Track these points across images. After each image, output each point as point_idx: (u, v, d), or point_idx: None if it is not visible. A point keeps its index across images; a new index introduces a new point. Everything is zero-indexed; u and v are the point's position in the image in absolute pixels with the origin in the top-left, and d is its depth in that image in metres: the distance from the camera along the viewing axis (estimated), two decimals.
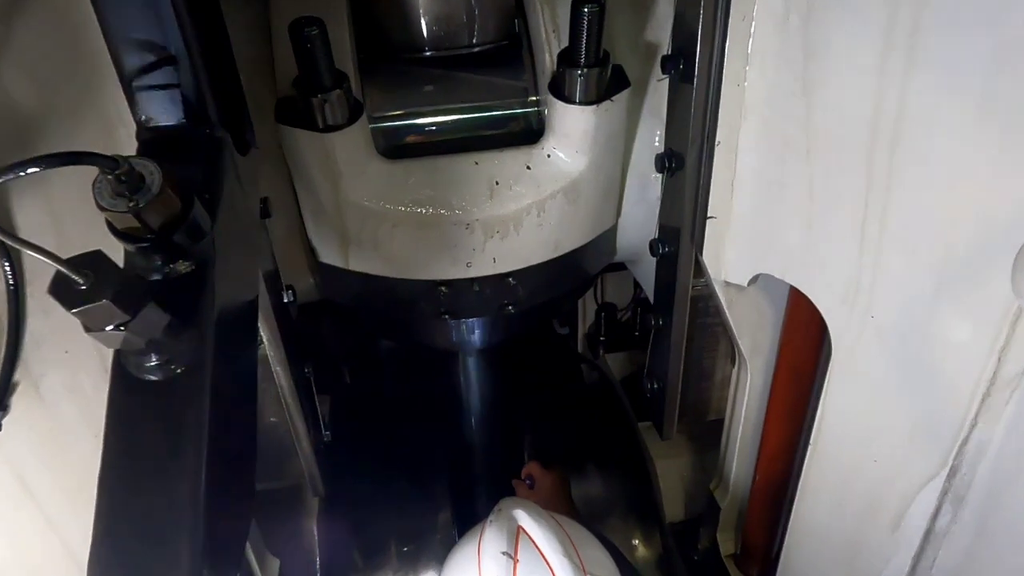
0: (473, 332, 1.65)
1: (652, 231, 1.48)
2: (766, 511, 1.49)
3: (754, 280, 1.21)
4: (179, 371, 0.69)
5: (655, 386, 1.51)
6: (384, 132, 1.38)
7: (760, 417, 1.43)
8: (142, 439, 0.66)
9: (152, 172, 0.67)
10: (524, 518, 1.14)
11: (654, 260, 1.45)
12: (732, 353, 1.48)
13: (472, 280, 1.39)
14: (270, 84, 1.27)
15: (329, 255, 1.41)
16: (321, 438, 1.50)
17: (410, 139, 1.41)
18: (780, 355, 1.32)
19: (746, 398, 1.41)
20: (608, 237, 1.53)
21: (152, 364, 0.68)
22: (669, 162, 1.24)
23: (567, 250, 1.41)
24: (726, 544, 1.69)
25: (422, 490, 2.33)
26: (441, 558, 2.30)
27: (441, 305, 1.44)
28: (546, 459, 1.98)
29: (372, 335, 2.55)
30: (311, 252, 1.44)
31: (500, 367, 2.15)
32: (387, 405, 2.56)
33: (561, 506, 1.83)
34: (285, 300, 1.29)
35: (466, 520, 2.43)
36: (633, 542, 2.14)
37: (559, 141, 1.29)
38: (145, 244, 0.70)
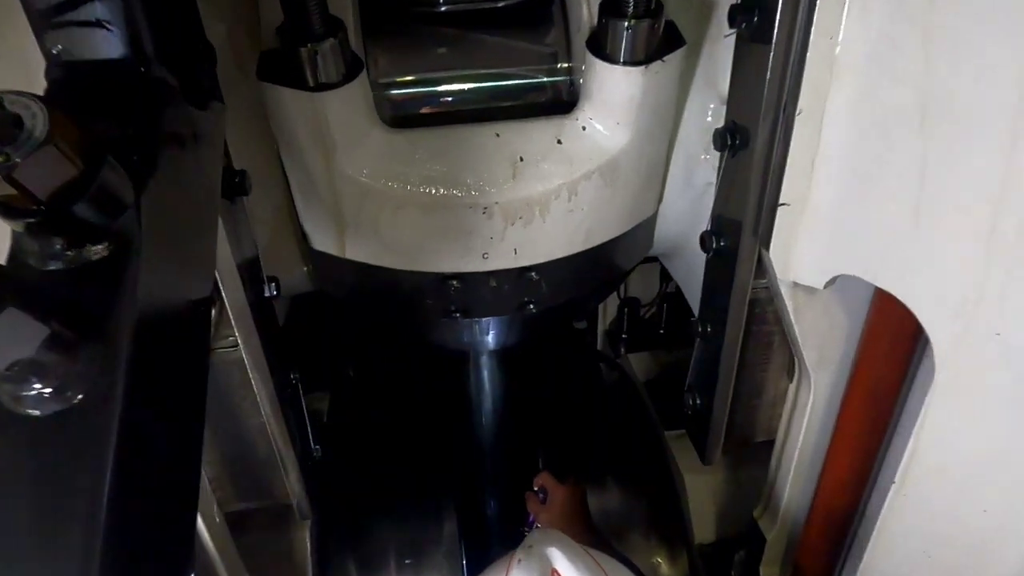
0: (487, 333, 1.43)
1: (698, 222, 1.25)
2: (825, 549, 1.27)
3: (831, 282, 0.98)
4: (76, 401, 0.47)
5: (698, 403, 1.28)
6: (390, 101, 1.16)
7: (822, 441, 1.20)
8: (10, 505, 0.44)
9: (35, 114, 0.45)
10: (559, 559, 0.97)
11: (699, 256, 1.22)
12: (791, 366, 1.25)
13: (488, 274, 1.17)
14: (255, 36, 1.06)
15: (323, 241, 1.19)
16: (310, 455, 1.28)
17: (419, 109, 1.19)
18: (855, 371, 1.09)
19: (806, 418, 1.19)
20: (646, 227, 1.30)
21: (32, 393, 0.46)
22: (732, 138, 1.01)
23: (600, 241, 1.19)
24: None
25: (425, 498, 2.11)
26: (445, 572, 2.11)
27: (452, 302, 1.22)
28: (561, 469, 1.77)
29: (376, 327, 2.33)
30: (303, 238, 1.23)
31: (512, 365, 1.93)
32: (390, 403, 2.35)
33: (576, 521, 1.64)
34: (267, 295, 1.07)
35: (472, 532, 2.23)
36: (655, 561, 1.92)
37: (597, 110, 1.07)
38: (32, 219, 0.48)
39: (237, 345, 1.05)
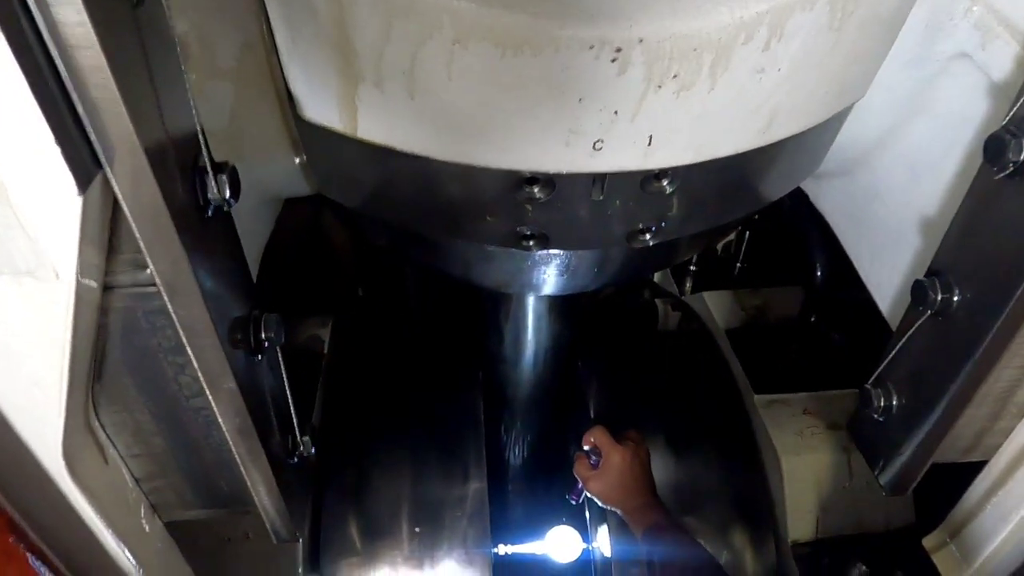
0: (562, 273, 0.91)
1: (908, 124, 0.74)
2: None
3: None
4: None
5: (892, 404, 0.78)
6: None
7: None
8: None
9: None
10: None
11: (894, 176, 0.71)
12: None
13: (595, 179, 0.66)
14: None
15: (320, 108, 0.67)
16: (292, 450, 0.77)
17: None
18: None
19: None
20: (838, 124, 0.78)
21: None
22: None
23: (785, 133, 0.66)
24: None
25: (447, 450, 1.64)
26: (469, 543, 1.68)
27: (526, 222, 0.71)
28: (617, 425, 1.32)
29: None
30: (289, 101, 0.71)
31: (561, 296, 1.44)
32: (407, 330, 1.88)
33: (636, 493, 1.21)
34: (212, 196, 0.55)
35: (504, 495, 1.79)
36: (734, 554, 1.46)
37: None
38: None
39: (155, 284, 0.55)
